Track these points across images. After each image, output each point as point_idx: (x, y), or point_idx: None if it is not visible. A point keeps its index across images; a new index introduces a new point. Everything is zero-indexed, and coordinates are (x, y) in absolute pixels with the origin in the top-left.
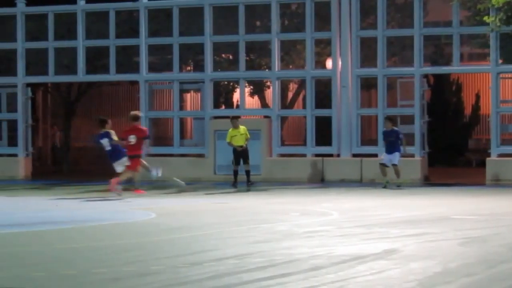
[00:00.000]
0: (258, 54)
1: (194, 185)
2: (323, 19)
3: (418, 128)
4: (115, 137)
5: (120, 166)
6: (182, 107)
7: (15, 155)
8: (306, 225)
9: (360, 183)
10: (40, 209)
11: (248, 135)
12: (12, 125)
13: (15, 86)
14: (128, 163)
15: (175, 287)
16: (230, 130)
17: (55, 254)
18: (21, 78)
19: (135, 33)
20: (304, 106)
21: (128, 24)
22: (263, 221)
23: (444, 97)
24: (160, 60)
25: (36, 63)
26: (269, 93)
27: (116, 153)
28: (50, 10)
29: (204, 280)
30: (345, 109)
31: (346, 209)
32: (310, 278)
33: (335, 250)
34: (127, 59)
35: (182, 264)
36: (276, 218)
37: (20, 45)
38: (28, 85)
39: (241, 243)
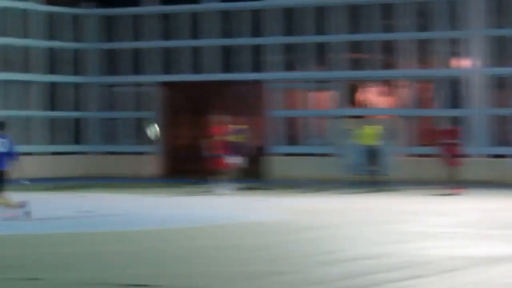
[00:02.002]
0: (390, 54)
1: (325, 185)
2: (455, 18)
3: None
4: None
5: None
6: (312, 106)
7: (144, 153)
8: (440, 226)
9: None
10: (177, 207)
11: (380, 135)
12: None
13: (151, 85)
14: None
15: (307, 287)
16: (361, 129)
17: (197, 251)
18: (155, 77)
19: (260, 33)
20: (437, 106)
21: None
22: (395, 221)
23: None
24: (289, 59)
25: (171, 62)
26: (401, 93)
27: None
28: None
29: (337, 280)
30: (477, 109)
31: (483, 210)
32: (446, 280)
33: (472, 251)
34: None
35: (314, 264)
36: (409, 218)
37: (157, 44)
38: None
39: (373, 243)
